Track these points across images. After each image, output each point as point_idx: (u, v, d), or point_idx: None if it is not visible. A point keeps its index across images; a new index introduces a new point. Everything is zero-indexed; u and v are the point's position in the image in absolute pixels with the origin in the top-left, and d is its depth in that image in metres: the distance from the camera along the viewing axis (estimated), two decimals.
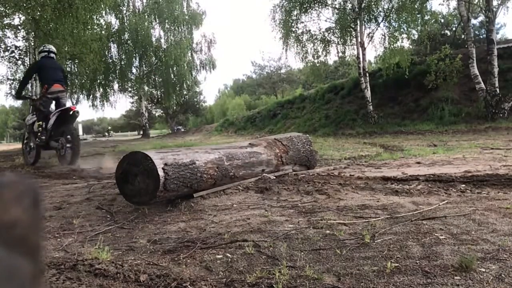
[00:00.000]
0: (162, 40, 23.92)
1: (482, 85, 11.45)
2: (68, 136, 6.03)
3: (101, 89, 23.01)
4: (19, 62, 16.49)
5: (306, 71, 18.11)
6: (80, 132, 41.35)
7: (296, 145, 4.24)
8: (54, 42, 11.11)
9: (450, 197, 2.70)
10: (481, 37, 20.74)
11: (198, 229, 2.24)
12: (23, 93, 6.77)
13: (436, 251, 1.68)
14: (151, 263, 1.73)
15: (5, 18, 12.04)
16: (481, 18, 19.42)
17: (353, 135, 12.17)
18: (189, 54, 24.78)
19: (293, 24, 15.45)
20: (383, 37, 14.43)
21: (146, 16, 22.88)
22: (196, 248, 1.89)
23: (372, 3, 14.14)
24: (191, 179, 2.83)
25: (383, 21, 14.38)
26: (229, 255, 1.80)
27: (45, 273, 1.59)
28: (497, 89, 11.10)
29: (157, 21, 23.69)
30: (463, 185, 3.03)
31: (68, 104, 6.98)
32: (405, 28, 13.94)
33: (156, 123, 45.71)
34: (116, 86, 23.89)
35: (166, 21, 23.55)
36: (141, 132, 26.72)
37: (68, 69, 18.63)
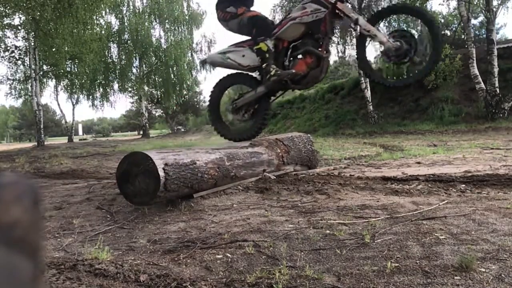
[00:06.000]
0: (162, 40, 23.89)
1: (482, 85, 11.45)
2: None
3: (101, 89, 23.00)
4: (19, 62, 16.51)
5: None
6: (80, 132, 41.39)
7: (298, 145, 4.22)
8: (54, 42, 11.12)
9: (450, 197, 2.70)
10: (481, 37, 20.72)
11: (198, 229, 2.24)
12: None
13: (436, 251, 1.68)
14: (151, 263, 1.73)
15: (5, 18, 12.04)
16: (481, 18, 19.41)
17: (353, 135, 12.16)
18: (189, 54, 24.77)
19: None
20: None
21: (146, 16, 22.85)
22: (196, 248, 1.89)
23: (372, 3, 14.15)
24: (192, 179, 2.83)
25: (383, 21, 14.39)
26: (229, 255, 1.80)
27: (45, 273, 1.59)
28: (497, 89, 11.09)
29: (157, 21, 23.66)
30: (463, 185, 3.03)
31: None
32: (405, 28, 13.95)
33: (156, 123, 45.62)
34: (116, 86, 23.86)
35: (166, 21, 23.52)
36: (141, 132, 26.71)
37: (68, 69, 18.64)
